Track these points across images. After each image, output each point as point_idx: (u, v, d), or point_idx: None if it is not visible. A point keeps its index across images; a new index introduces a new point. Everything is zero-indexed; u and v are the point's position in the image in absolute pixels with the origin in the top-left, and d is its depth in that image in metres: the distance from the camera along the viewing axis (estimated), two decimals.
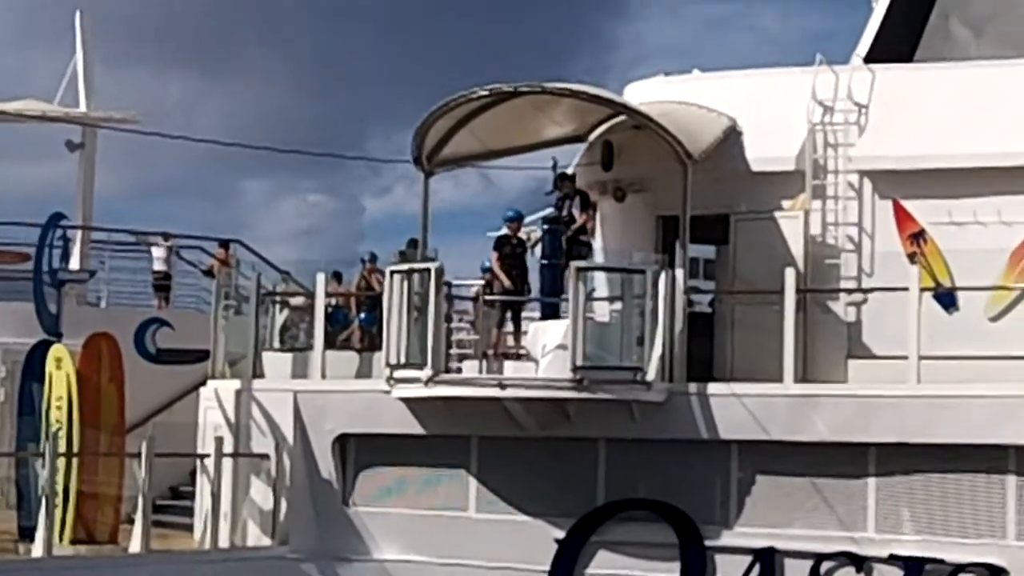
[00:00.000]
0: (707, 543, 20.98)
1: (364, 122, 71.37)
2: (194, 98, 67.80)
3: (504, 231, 23.43)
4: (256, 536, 23.27)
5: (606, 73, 74.48)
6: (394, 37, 70.78)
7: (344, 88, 69.40)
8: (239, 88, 70.50)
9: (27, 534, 22.41)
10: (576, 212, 23.24)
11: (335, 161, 52.88)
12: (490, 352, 23.06)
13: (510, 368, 22.27)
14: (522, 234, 23.64)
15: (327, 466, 22.93)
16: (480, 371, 22.43)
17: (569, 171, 24.19)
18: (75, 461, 22.71)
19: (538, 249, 23.67)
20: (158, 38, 66.75)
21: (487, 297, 23.30)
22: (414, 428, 22.26)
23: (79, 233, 32.57)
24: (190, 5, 65.36)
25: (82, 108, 33.71)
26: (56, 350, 23.61)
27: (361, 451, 22.96)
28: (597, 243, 24.01)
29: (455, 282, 23.92)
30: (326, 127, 65.43)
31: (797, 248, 22.12)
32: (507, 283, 22.95)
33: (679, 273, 21.39)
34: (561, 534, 21.56)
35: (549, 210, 23.47)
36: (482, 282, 23.94)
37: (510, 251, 23.25)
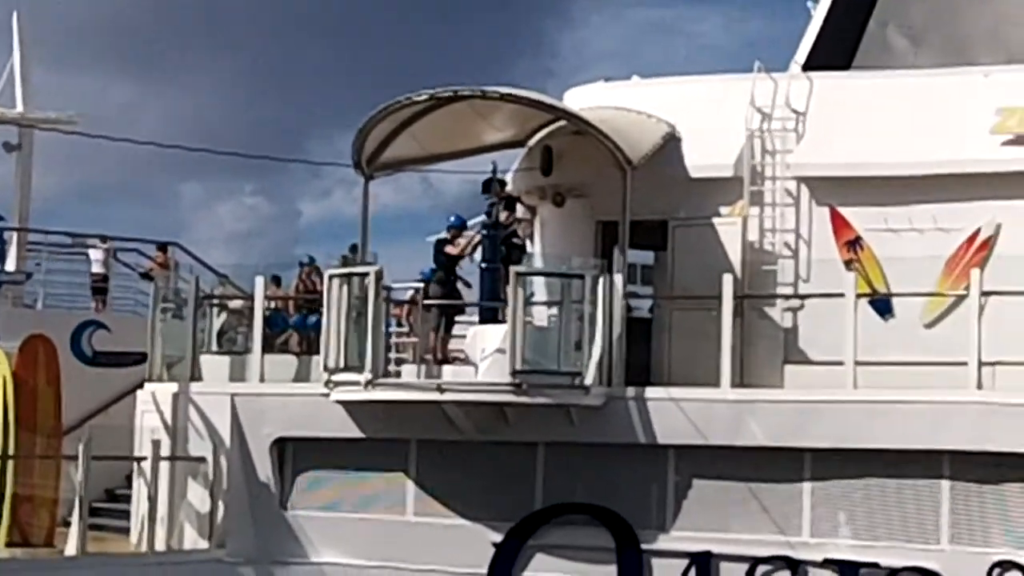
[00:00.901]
0: (644, 547, 21.04)
1: (305, 125, 71.10)
2: (135, 101, 67.36)
3: (444, 235, 23.41)
4: (193, 539, 23.18)
5: (549, 78, 74.46)
6: (336, 40, 70.55)
7: (285, 91, 69.09)
8: (181, 91, 70.07)
9: None
10: (503, 216, 23.24)
11: (273, 164, 52.56)
12: (428, 356, 23.06)
13: (449, 372, 22.28)
14: (461, 240, 23.58)
15: (265, 470, 22.86)
16: (419, 375, 22.42)
17: (509, 176, 24.22)
18: (11, 464, 22.59)
19: (477, 254, 23.66)
20: (100, 41, 66.33)
21: (426, 301, 23.27)
22: (352, 432, 22.24)
23: (15, 235, 32.37)
24: (132, 9, 64.93)
25: (19, 109, 33.49)
26: None
27: (299, 455, 22.92)
28: (537, 247, 24.06)
29: (395, 286, 23.86)
30: (267, 130, 65.07)
31: (735, 254, 22.25)
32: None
33: (618, 278, 21.48)
34: (499, 538, 21.58)
35: (483, 216, 23.50)
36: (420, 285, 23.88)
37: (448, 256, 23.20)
